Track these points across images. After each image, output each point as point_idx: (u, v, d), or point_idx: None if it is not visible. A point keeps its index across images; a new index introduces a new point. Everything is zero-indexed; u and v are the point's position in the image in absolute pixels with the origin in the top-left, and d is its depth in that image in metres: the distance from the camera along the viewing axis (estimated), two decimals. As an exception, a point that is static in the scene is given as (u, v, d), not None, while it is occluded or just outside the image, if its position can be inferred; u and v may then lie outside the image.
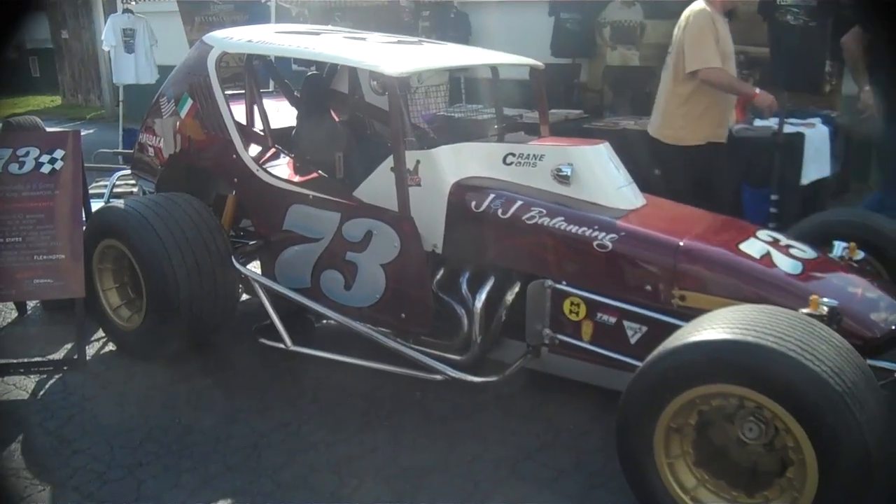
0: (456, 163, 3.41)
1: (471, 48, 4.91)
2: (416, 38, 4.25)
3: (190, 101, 4.06)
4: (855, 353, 2.31)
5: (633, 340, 3.00)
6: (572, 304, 3.14)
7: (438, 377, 3.18)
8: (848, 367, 2.20)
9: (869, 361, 2.69)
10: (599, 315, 3.09)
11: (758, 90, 4.41)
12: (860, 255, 3.26)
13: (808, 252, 3.12)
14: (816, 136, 5.33)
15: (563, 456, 2.95)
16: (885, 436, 2.22)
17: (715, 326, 2.32)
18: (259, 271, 3.86)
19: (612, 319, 3.06)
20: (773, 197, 4.78)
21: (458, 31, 7.89)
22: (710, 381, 2.27)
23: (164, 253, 3.48)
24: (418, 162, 3.37)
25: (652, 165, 4.54)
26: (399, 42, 4.10)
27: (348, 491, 2.76)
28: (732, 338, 2.24)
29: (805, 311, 2.60)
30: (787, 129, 5.13)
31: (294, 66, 7.44)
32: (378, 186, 3.42)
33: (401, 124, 3.40)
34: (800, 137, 5.12)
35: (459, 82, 7.32)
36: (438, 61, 4.08)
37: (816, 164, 5.28)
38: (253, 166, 3.77)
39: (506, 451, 2.98)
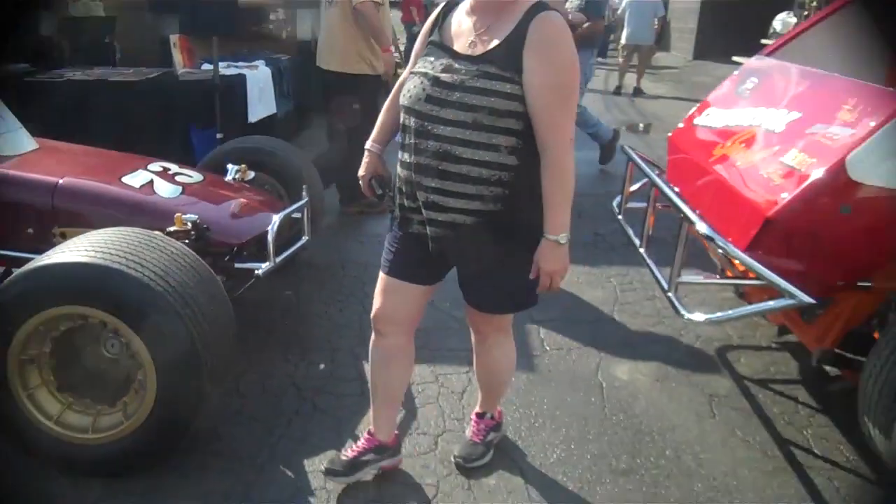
0: None
1: None
2: None
3: None
4: (192, 257, 2.51)
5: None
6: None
7: None
8: (177, 270, 2.39)
9: (237, 265, 3.04)
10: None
11: (392, 47, 4.84)
12: (251, 175, 3.63)
13: (194, 177, 3.36)
14: (260, 77, 5.73)
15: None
16: (218, 325, 2.48)
17: (50, 254, 2.36)
18: None
19: (1, 269, 2.97)
20: (219, 136, 5.03)
21: None
22: (44, 307, 2.31)
23: None
24: None
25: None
26: None
27: None
28: (55, 261, 2.29)
29: (172, 228, 2.82)
30: (230, 71, 5.43)
31: None
32: None
33: None
34: (241, 79, 5.44)
35: None
36: None
37: (263, 104, 5.69)
38: None
39: None
